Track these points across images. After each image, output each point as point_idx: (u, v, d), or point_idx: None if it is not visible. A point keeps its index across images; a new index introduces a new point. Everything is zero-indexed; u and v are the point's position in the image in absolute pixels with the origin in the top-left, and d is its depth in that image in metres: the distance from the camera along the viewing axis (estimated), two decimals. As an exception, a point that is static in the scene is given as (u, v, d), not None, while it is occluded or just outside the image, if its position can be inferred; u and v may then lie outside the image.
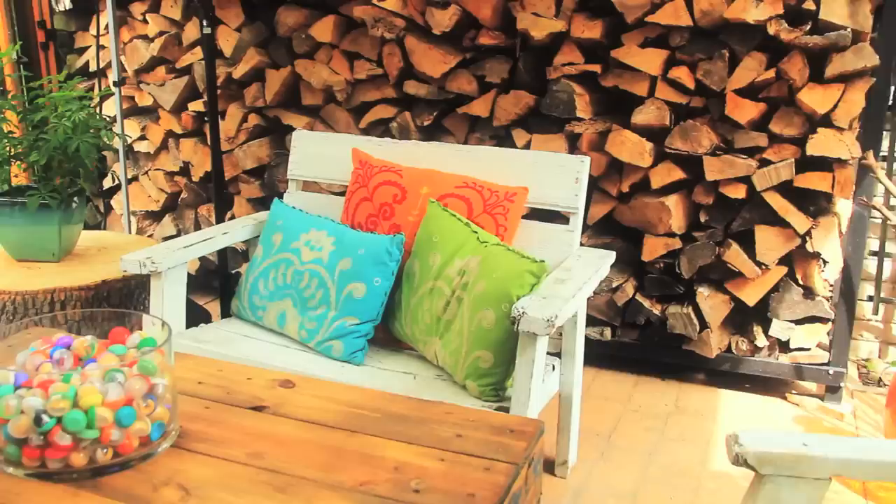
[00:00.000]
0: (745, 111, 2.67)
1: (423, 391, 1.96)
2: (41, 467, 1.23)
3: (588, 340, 2.60)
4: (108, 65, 3.69)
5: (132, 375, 1.29)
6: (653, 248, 2.89)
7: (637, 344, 3.03)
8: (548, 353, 2.13)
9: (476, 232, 2.11)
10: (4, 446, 1.24)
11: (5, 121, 2.53)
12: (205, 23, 2.89)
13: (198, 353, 2.00)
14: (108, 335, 1.46)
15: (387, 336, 2.27)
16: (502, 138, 3.02)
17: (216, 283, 3.42)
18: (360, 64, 3.16)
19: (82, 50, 3.84)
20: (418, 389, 1.99)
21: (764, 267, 2.78)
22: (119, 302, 2.47)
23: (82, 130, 2.43)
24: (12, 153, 2.55)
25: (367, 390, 1.51)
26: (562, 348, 2.24)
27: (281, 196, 2.62)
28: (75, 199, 2.57)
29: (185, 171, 3.74)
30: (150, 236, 3.89)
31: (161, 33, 3.57)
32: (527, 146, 2.96)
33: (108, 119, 3.47)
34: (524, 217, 2.27)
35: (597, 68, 2.83)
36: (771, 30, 2.56)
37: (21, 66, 3.64)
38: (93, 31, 3.72)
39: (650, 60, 2.74)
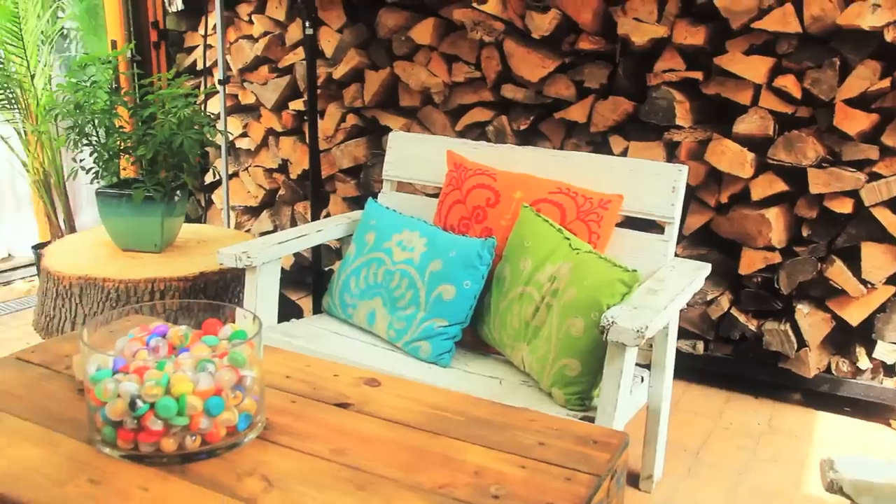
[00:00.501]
0: (855, 122, 2.56)
1: (508, 397, 1.95)
2: (134, 450, 1.27)
3: (679, 353, 2.54)
4: (215, 64, 3.81)
5: (222, 366, 1.32)
6: (751, 262, 2.80)
7: (730, 359, 2.95)
8: (637, 364, 2.09)
9: (568, 238, 2.08)
10: (102, 427, 1.29)
11: (117, 116, 2.63)
12: (307, 24, 2.95)
13: (288, 348, 2.05)
14: (202, 326, 1.51)
15: (474, 339, 2.27)
16: (599, 145, 2.98)
17: (309, 280, 3.48)
18: (458, 66, 3.16)
19: (191, 49, 3.97)
20: (503, 395, 1.98)
21: (870, 286, 2.66)
22: (215, 294, 2.54)
23: (187, 126, 2.51)
24: (122, 147, 2.65)
25: (452, 393, 1.51)
26: (651, 360, 2.19)
27: (375, 196, 2.65)
28: (178, 192, 2.65)
29: (283, 168, 3.82)
30: (248, 231, 3.99)
31: (265, 33, 3.66)
32: (624, 153, 2.91)
33: (211, 116, 3.58)
34: (618, 225, 2.23)
35: (698, 75, 2.77)
36: (888, 36, 2.45)
37: (134, 65, 3.79)
38: (201, 31, 3.84)
39: (755, 68, 2.66)
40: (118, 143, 2.62)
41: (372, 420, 1.41)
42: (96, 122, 2.58)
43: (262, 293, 2.30)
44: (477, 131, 3.20)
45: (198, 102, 3.73)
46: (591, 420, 1.82)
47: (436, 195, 2.56)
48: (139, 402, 1.25)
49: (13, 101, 3.70)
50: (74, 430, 1.35)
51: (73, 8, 3.98)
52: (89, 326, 1.41)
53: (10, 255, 4.35)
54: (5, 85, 3.64)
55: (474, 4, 3.01)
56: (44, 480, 1.20)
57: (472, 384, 2.05)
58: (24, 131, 3.75)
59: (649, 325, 1.72)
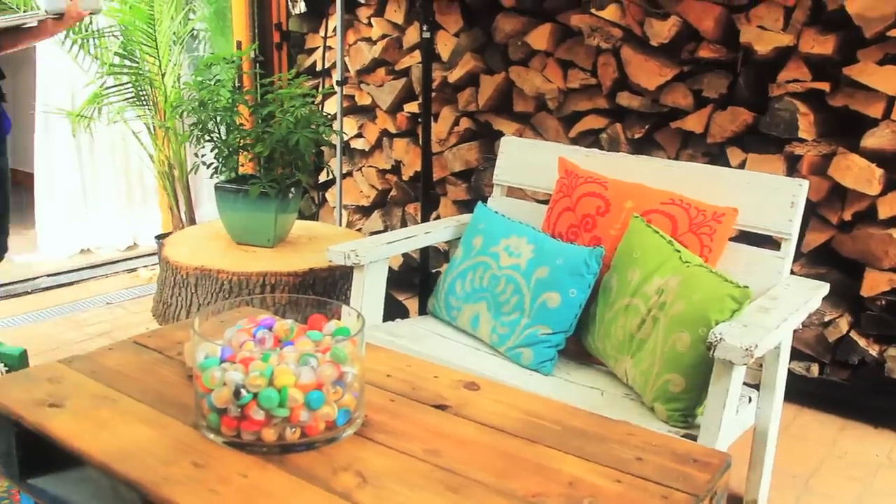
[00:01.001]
0: None
1: (608, 408, 1.92)
2: (236, 437, 1.31)
3: (791, 375, 2.44)
4: (333, 65, 3.89)
5: (324, 361, 1.34)
6: (874, 284, 2.67)
7: (847, 385, 2.81)
8: (745, 384, 2.01)
9: (679, 251, 2.03)
10: (208, 413, 1.33)
11: (238, 114, 2.73)
12: (425, 27, 2.98)
13: (390, 347, 2.07)
14: (307, 321, 1.54)
15: (578, 349, 2.24)
16: (716, 156, 2.90)
17: (417, 281, 3.51)
18: (573, 73, 3.14)
19: (311, 51, 4.07)
20: (604, 406, 1.95)
21: None
22: (323, 290, 2.59)
23: (303, 126, 2.57)
24: (241, 144, 2.74)
25: (550, 401, 1.50)
26: (761, 380, 2.11)
27: (485, 200, 2.65)
28: (292, 189, 2.72)
29: (396, 169, 3.87)
30: (359, 230, 4.06)
31: (384, 36, 3.72)
32: (741, 165, 2.82)
33: (328, 116, 3.66)
34: (731, 239, 2.16)
35: (825, 86, 2.65)
36: None
37: (257, 65, 3.91)
38: (322, 33, 3.94)
39: (889, 79, 2.53)
40: (238, 139, 2.70)
41: (468, 423, 1.41)
42: (218, 119, 2.67)
43: (368, 291, 2.33)
44: (590, 139, 3.17)
45: (315, 102, 3.82)
46: (694, 438, 1.76)
47: (545, 202, 2.54)
48: (243, 392, 1.29)
49: (145, 97, 3.88)
50: (182, 414, 1.40)
51: (203, 10, 4.15)
52: (201, 316, 1.46)
53: (135, 243, 4.56)
54: (138, 83, 3.82)
55: (592, 10, 2.97)
56: (151, 460, 1.25)
57: (572, 394, 2.02)
58: (153, 126, 3.93)
59: (759, 343, 1.66)
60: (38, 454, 1.40)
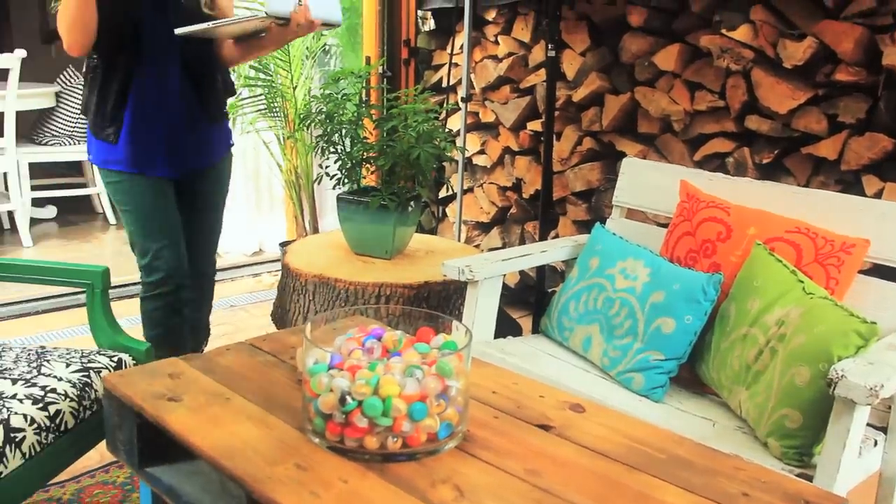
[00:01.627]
0: None
1: (719, 441, 1.85)
2: (339, 443, 1.33)
3: (925, 419, 2.29)
4: (459, 82, 3.93)
5: (429, 374, 1.36)
6: None
7: None
8: (870, 426, 1.91)
9: (802, 281, 1.95)
10: (314, 417, 1.37)
11: (362, 127, 2.79)
12: (550, 46, 2.98)
13: (500, 364, 2.06)
14: (416, 333, 1.56)
15: (691, 377, 2.18)
16: (849, 184, 2.77)
17: (532, 299, 3.50)
18: (701, 95, 3.06)
19: (438, 67, 4.13)
20: (714, 438, 1.88)
21: None
22: (437, 303, 2.61)
23: (425, 140, 2.61)
24: (364, 156, 2.81)
25: (657, 428, 1.46)
26: (889, 423, 2.00)
27: (604, 221, 2.62)
28: (412, 203, 2.77)
29: (517, 187, 3.88)
30: (477, 246, 4.08)
31: (510, 54, 3.74)
32: (878, 195, 2.68)
33: (451, 132, 3.70)
34: (861, 272, 2.06)
35: (975, 115, 2.50)
36: None
37: (385, 80, 4.00)
38: (449, 50, 3.99)
39: None
40: (361, 152, 2.77)
41: (571, 445, 1.39)
42: (343, 131, 2.75)
43: (481, 307, 2.34)
44: (716, 162, 3.08)
45: (439, 118, 3.88)
46: (809, 479, 1.68)
47: (665, 225, 2.49)
48: (349, 399, 1.31)
49: (276, 109, 4.02)
50: (289, 417, 1.44)
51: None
52: (314, 322, 1.50)
53: (261, 249, 4.73)
54: (271, 95, 3.97)
55: (723, 31, 2.90)
56: (257, 458, 1.29)
57: (682, 422, 1.97)
58: (283, 137, 4.07)
59: (885, 383, 1.57)
60: (156, 444, 1.47)
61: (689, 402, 2.10)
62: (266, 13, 2.13)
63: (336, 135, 2.76)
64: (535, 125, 3.70)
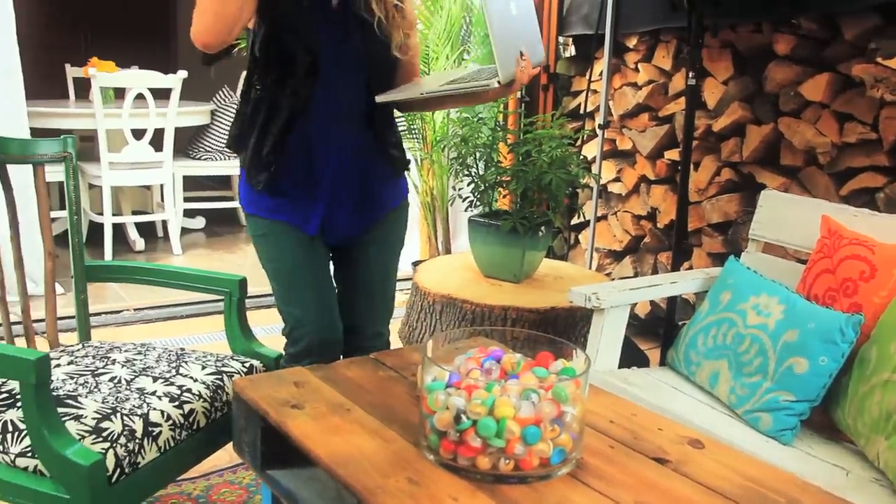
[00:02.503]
0: None
1: (852, 492, 1.76)
2: (452, 460, 1.35)
3: None
4: (597, 108, 3.92)
5: (545, 398, 1.36)
6: None
7: None
8: None
9: (952, 327, 1.83)
10: (429, 434, 1.39)
11: (497, 151, 2.82)
12: (691, 74, 2.93)
13: (621, 394, 2.04)
14: (535, 357, 1.56)
15: (824, 421, 2.08)
16: None
17: (661, 331, 3.43)
18: (850, 126, 2.93)
19: (577, 93, 4.13)
20: (847, 488, 1.78)
21: None
22: (563, 329, 2.60)
23: (558, 166, 2.61)
24: (498, 180, 2.83)
25: (778, 470, 1.41)
26: None
27: (739, 254, 2.55)
28: (543, 228, 2.77)
29: (651, 216, 3.81)
30: (608, 274, 4.03)
31: (649, 82, 3.69)
32: None
33: (584, 158, 3.69)
34: None
35: None
36: None
37: (522, 105, 4.03)
38: (588, 76, 3.98)
39: None
40: (495, 176, 2.80)
41: (686, 481, 1.36)
42: (478, 154, 2.78)
43: (606, 336, 2.31)
44: (864, 198, 2.94)
45: (575, 145, 3.87)
46: (951, 538, 1.57)
47: (803, 261, 2.39)
48: (464, 417, 1.33)
49: (415, 130, 4.12)
50: (406, 431, 1.47)
51: (477, 51, 4.34)
52: (435, 340, 1.53)
53: (395, 268, 4.83)
54: (410, 117, 4.06)
55: (879, 59, 2.77)
56: (372, 469, 1.33)
57: (811, 468, 1.88)
58: (420, 158, 4.16)
59: None
60: (279, 449, 1.53)
61: (820, 448, 2.01)
62: (499, 81, 1.82)
63: (470, 157, 2.80)
64: (673, 154, 3.63)
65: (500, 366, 1.51)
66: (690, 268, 3.53)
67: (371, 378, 1.71)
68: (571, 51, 4.20)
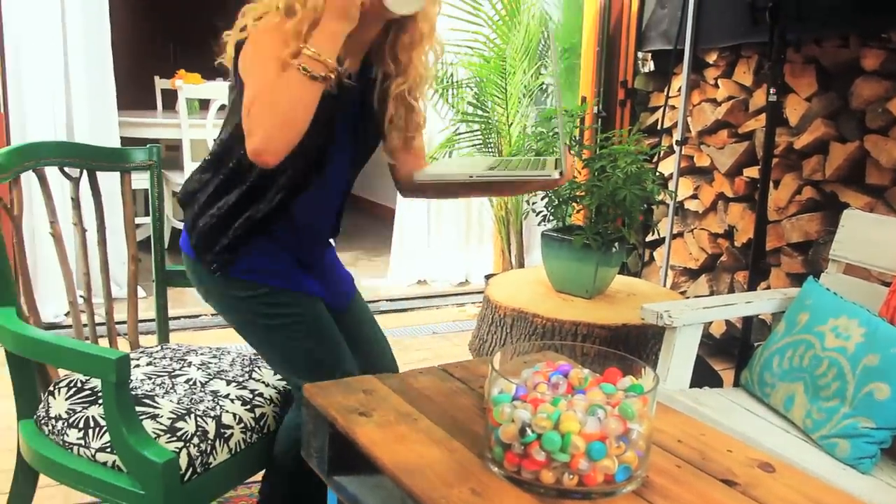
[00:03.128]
0: None
1: (933, 523, 1.70)
2: (516, 473, 1.35)
3: None
4: (675, 124, 3.87)
5: (612, 415, 1.35)
6: None
7: None
8: None
9: None
10: (493, 446, 1.39)
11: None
12: (772, 90, 2.87)
13: (691, 414, 2.00)
14: (603, 373, 1.55)
15: (906, 450, 2.01)
16: None
17: (737, 351, 3.36)
18: (940, 146, 2.84)
19: (654, 109, 4.08)
20: (928, 519, 1.72)
21: None
22: (634, 346, 2.57)
23: (633, 182, 2.59)
24: (572, 195, 2.82)
25: (854, 499, 1.36)
26: None
27: (819, 275, 2.48)
28: (616, 244, 2.75)
29: (729, 234, 3.74)
30: (683, 293, 3.97)
31: (729, 98, 3.63)
32: None
33: (660, 175, 3.65)
34: None
35: None
36: None
37: (599, 120, 4.01)
38: (667, 92, 3.94)
39: None
40: (568, 190, 2.79)
41: (755, 505, 1.33)
42: (552, 169, 2.78)
43: (677, 354, 2.28)
44: (956, 220, 2.83)
45: (651, 161, 3.83)
46: None
47: (887, 283, 2.32)
48: (528, 431, 1.33)
49: (491, 145, 4.13)
50: (471, 443, 1.48)
51: (554, 66, 4.34)
52: (504, 353, 1.54)
53: (467, 280, 4.85)
54: (487, 131, 4.09)
55: (970, 79, 2.68)
56: (435, 479, 1.34)
57: (891, 501, 1.82)
58: (496, 172, 4.16)
59: None
60: (346, 455, 1.55)
61: (901, 478, 1.94)
62: (562, 173, 1.72)
63: (544, 172, 2.79)
64: (752, 172, 3.56)
65: (568, 380, 1.50)
66: (768, 288, 3.45)
67: (439, 388, 1.72)
68: (651, 66, 4.16)
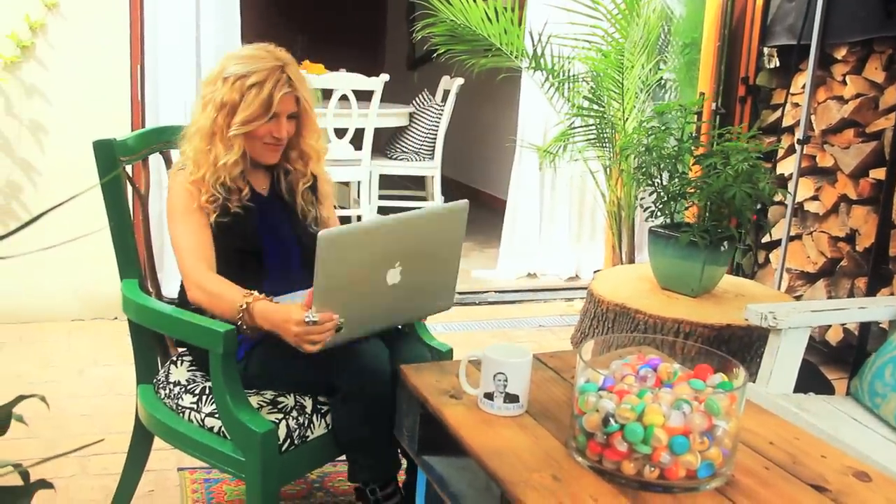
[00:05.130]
0: None
1: None
2: (598, 463, 1.37)
3: None
4: (797, 123, 3.74)
5: (698, 410, 1.34)
6: None
7: None
8: None
9: None
10: (577, 434, 1.41)
11: (682, 162, 2.78)
12: (904, 89, 2.75)
13: (791, 419, 1.95)
14: (694, 369, 1.54)
15: None
16: None
17: (851, 359, 3.23)
18: None
19: (777, 107, 3.95)
20: None
21: None
22: (737, 348, 2.52)
23: (743, 180, 2.53)
24: (681, 191, 2.79)
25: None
26: None
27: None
28: (725, 243, 2.69)
29: (850, 238, 3.59)
30: (799, 297, 3.83)
31: (857, 95, 3.48)
32: None
33: (773, 173, 3.54)
34: None
35: None
36: None
37: (717, 116, 3.92)
38: (793, 89, 3.81)
39: None
40: (678, 187, 2.75)
41: (845, 513, 1.30)
42: (661, 165, 2.75)
43: (781, 358, 2.23)
44: None
45: (772, 160, 3.73)
46: None
47: None
48: (612, 421, 1.34)
49: (605, 140, 4.10)
50: (557, 431, 1.50)
51: (675, 61, 4.26)
52: (595, 344, 1.55)
53: (577, 275, 4.83)
54: (601, 125, 4.05)
55: None
56: (518, 463, 1.37)
57: None
58: (609, 168, 4.13)
59: None
60: (435, 436, 1.60)
61: None
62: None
63: (654, 167, 2.77)
64: (879, 173, 3.41)
65: (657, 374, 1.50)
66: (892, 295, 3.30)
67: (531, 376, 1.74)
68: (776, 62, 4.03)
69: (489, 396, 1.56)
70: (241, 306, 1.73)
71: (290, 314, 1.65)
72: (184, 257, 1.87)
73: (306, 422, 1.80)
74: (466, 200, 1.88)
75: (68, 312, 3.65)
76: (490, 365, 1.55)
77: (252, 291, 1.77)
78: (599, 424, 1.36)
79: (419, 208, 1.86)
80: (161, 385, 1.97)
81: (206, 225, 1.90)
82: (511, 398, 1.56)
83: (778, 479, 1.40)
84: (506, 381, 1.55)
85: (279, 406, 1.80)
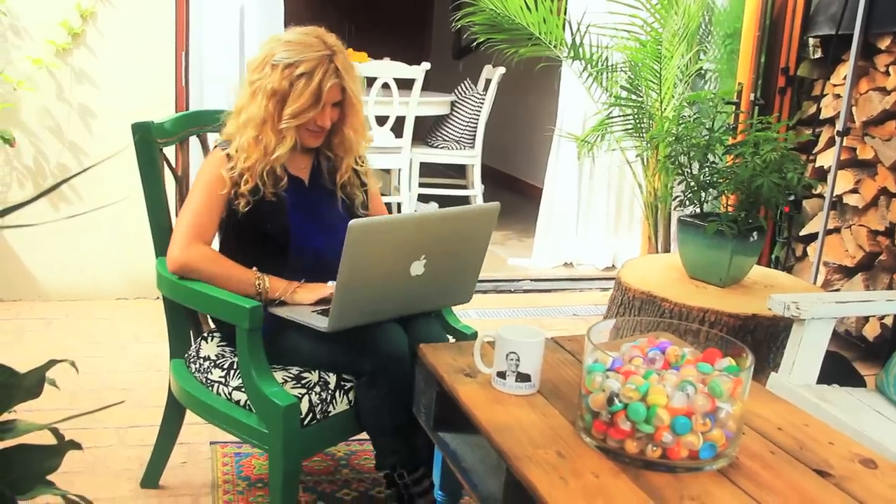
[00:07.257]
0: None
1: None
2: (603, 441, 1.40)
3: None
4: (838, 114, 3.70)
5: (701, 392, 1.37)
6: None
7: None
8: None
9: None
10: (583, 413, 1.45)
11: (713, 152, 2.78)
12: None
13: (810, 409, 1.96)
14: (703, 352, 1.56)
15: None
16: None
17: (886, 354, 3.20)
18: None
19: (818, 98, 3.91)
20: None
21: None
22: (763, 338, 2.52)
23: (771, 170, 2.53)
24: (711, 181, 2.79)
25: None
26: None
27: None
28: (755, 233, 2.69)
29: (890, 232, 3.55)
30: (835, 291, 3.80)
31: (899, 88, 3.44)
32: None
33: (806, 164, 3.50)
34: None
35: None
36: None
37: (756, 107, 3.89)
38: (834, 80, 3.77)
39: None
40: (708, 176, 2.75)
41: (846, 498, 1.32)
42: (691, 154, 2.75)
43: (804, 348, 2.23)
44: None
45: (812, 152, 3.69)
46: None
47: None
48: (616, 400, 1.38)
49: (643, 130, 4.10)
50: (565, 409, 1.54)
51: (715, 51, 4.23)
52: (615, 327, 1.59)
53: (613, 265, 4.83)
54: (639, 115, 4.05)
55: None
56: (524, 439, 1.41)
57: None
58: (646, 158, 4.13)
59: None
60: (450, 413, 1.65)
61: None
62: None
63: (684, 157, 2.77)
64: (920, 166, 3.37)
65: (665, 357, 1.53)
66: (929, 291, 3.26)
67: (547, 358, 1.76)
68: (818, 52, 3.98)
69: (502, 375, 1.60)
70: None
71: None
72: (187, 221, 1.96)
73: (329, 397, 1.86)
74: (498, 203, 1.94)
75: (113, 291, 3.78)
76: (503, 344, 1.60)
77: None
78: (604, 403, 1.39)
79: (451, 206, 1.92)
80: (192, 360, 2.05)
81: (220, 208, 1.98)
82: (523, 377, 1.60)
83: (782, 463, 1.42)
84: (518, 360, 1.59)
85: (303, 381, 1.86)
